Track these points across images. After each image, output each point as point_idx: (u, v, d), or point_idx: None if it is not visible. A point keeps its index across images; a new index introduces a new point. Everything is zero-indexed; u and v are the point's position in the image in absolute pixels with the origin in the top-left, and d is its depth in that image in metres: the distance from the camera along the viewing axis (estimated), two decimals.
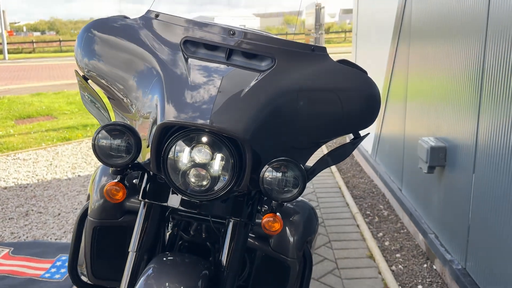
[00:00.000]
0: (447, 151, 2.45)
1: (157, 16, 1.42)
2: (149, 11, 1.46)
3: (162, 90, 1.25)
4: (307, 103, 1.36)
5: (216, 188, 1.21)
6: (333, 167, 4.47)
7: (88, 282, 1.65)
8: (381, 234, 3.06)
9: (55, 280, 2.62)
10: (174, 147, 1.19)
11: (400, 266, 2.64)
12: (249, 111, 1.22)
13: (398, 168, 3.42)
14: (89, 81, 1.52)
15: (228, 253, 1.32)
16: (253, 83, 1.26)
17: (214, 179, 1.20)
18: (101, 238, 1.57)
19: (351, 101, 1.42)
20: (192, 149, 1.19)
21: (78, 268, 1.65)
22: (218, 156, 1.19)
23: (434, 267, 2.60)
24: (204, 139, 1.18)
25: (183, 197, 1.28)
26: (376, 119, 1.47)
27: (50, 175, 4.62)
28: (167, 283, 1.19)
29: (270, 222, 1.30)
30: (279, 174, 1.21)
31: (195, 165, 1.19)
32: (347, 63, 1.43)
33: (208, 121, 1.15)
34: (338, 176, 4.19)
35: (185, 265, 1.28)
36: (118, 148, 1.22)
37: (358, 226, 3.10)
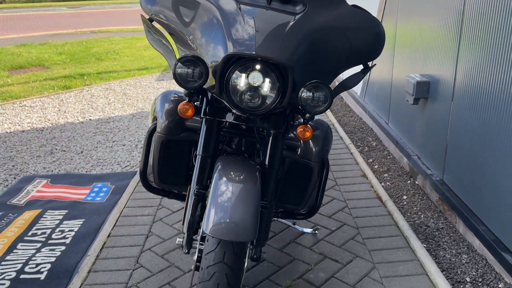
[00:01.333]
0: (430, 85, 2.91)
1: None
2: None
3: (222, 30, 1.64)
4: (330, 39, 1.77)
5: (265, 105, 1.63)
6: None
7: (155, 186, 2.09)
8: (371, 160, 3.58)
9: (97, 201, 3.05)
10: (234, 73, 1.58)
11: (388, 183, 3.17)
12: (290, 45, 1.62)
13: (385, 105, 3.89)
14: (154, 22, 1.88)
15: (270, 156, 1.76)
16: (291, 23, 1.66)
17: (264, 98, 1.62)
18: (167, 150, 1.98)
19: (361, 38, 1.84)
20: (247, 75, 1.59)
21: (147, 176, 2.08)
22: (267, 80, 1.59)
23: (416, 182, 3.14)
24: (257, 66, 1.58)
25: (238, 113, 1.69)
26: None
27: (62, 120, 4.93)
28: (234, 171, 1.64)
29: (303, 131, 1.75)
30: (311, 93, 1.63)
31: (250, 87, 1.60)
32: (359, 7, 1.84)
33: (260, 52, 1.55)
34: (331, 115, 4.66)
35: (243, 161, 1.72)
36: (193, 75, 1.61)
37: (351, 154, 3.60)
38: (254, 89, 1.60)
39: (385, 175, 3.30)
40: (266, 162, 1.75)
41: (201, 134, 1.78)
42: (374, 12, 4.11)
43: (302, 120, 1.80)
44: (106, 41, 10.73)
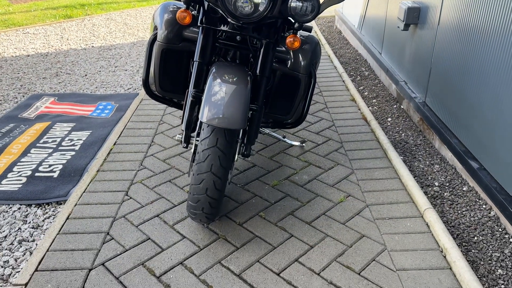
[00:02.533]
0: (420, 11, 3.02)
1: None
2: None
3: None
4: None
5: (257, 12, 1.78)
6: (323, 40, 5.02)
7: (157, 93, 2.28)
8: (361, 87, 3.75)
9: (102, 117, 3.27)
10: None
11: (375, 107, 3.37)
12: None
13: (380, 36, 4.00)
14: None
15: (261, 64, 1.93)
16: None
17: (257, 5, 1.77)
18: (167, 58, 2.15)
19: None
20: None
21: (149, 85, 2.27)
22: None
23: (402, 106, 3.34)
24: None
25: (233, 21, 1.85)
26: None
27: (65, 46, 5.05)
28: (227, 74, 1.83)
29: (292, 40, 1.92)
30: (300, 3, 1.78)
31: None
32: None
33: None
34: (328, 47, 4.77)
35: (237, 66, 1.91)
36: None
37: (343, 81, 3.77)
38: None
39: (373, 100, 3.49)
40: (258, 71, 1.94)
41: (198, 41, 1.95)
42: None
43: (292, 31, 1.96)
44: None
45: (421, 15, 3.02)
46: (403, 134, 2.95)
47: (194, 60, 1.96)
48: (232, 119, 1.69)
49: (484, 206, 2.17)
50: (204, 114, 1.71)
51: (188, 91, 1.98)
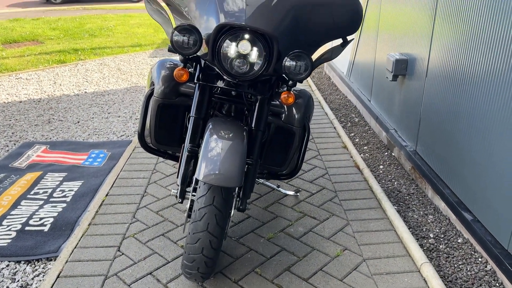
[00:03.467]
0: (408, 63, 3.12)
1: None
2: None
3: (215, 3, 1.83)
4: (313, 14, 1.97)
5: (252, 71, 1.83)
6: (313, 86, 5.13)
7: (152, 146, 2.29)
8: (352, 134, 3.81)
9: (95, 166, 3.25)
10: (225, 42, 1.77)
11: (366, 154, 3.40)
12: (276, 18, 1.82)
13: (368, 83, 4.10)
14: None
15: (257, 119, 1.96)
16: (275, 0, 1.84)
17: (252, 65, 1.81)
18: (163, 113, 2.18)
19: (342, 13, 2.04)
20: (237, 44, 1.78)
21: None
22: (255, 48, 1.78)
23: (393, 154, 3.38)
24: (246, 36, 1.77)
25: (229, 79, 1.89)
26: (355, 33, 2.09)
27: (58, 92, 5.08)
28: (224, 130, 1.85)
29: (286, 97, 1.96)
30: (294, 62, 1.83)
31: (240, 55, 1.79)
32: None
33: (250, 23, 1.74)
34: (318, 93, 4.87)
35: (232, 122, 1.93)
36: (188, 42, 1.80)
37: (334, 128, 3.82)
38: (243, 57, 1.79)
39: (364, 147, 3.53)
40: (253, 125, 1.96)
41: (194, 97, 1.98)
42: None
43: (286, 87, 2.01)
44: (99, 17, 10.76)
45: (409, 67, 3.12)
46: (395, 183, 2.97)
47: (191, 115, 1.98)
48: (229, 177, 1.70)
49: (480, 259, 2.16)
50: (201, 172, 1.71)
51: (184, 146, 1.99)
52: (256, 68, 1.82)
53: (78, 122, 4.17)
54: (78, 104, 4.66)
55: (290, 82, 1.94)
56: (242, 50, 1.78)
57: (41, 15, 11.15)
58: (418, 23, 2.97)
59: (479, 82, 2.24)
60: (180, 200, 1.95)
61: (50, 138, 3.79)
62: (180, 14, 2.03)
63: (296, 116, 2.18)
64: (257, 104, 1.98)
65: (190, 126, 1.98)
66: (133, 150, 3.38)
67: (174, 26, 2.00)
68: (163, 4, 2.09)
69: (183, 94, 2.18)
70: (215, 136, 1.81)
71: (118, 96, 4.94)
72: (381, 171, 3.14)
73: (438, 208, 2.64)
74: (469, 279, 2.04)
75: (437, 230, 2.43)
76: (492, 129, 2.12)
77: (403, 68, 3.14)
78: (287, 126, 2.18)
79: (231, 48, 1.78)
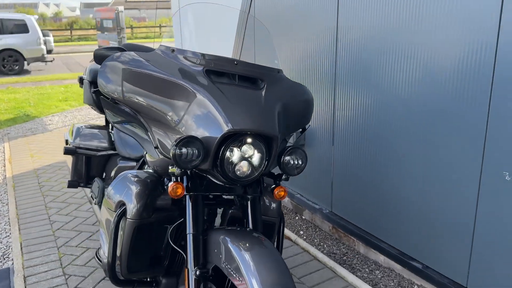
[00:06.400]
0: (306, 134, 3.41)
1: (173, 50, 1.77)
2: (163, 46, 1.78)
3: (210, 107, 1.65)
4: (287, 108, 1.98)
5: (256, 173, 1.72)
6: None
7: (122, 278, 1.85)
8: None
9: None
10: (228, 148, 1.62)
11: None
12: (270, 117, 1.76)
13: None
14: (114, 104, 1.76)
15: (253, 220, 1.83)
16: (263, 97, 1.78)
17: (255, 168, 1.71)
18: (138, 236, 1.81)
19: (303, 106, 2.11)
20: (240, 148, 1.65)
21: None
22: (256, 151, 1.68)
23: (303, 217, 3.56)
24: (249, 140, 1.66)
25: (228, 184, 1.73)
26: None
27: None
28: (242, 242, 1.65)
29: (280, 192, 1.90)
30: (290, 157, 1.81)
31: (243, 158, 1.67)
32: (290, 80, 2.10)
33: (254, 127, 1.63)
34: None
35: (240, 230, 1.75)
36: (193, 154, 1.59)
37: None
38: (244, 160, 1.67)
39: None
40: (250, 226, 1.82)
41: (187, 211, 1.73)
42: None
43: (274, 183, 1.93)
44: None
45: (308, 136, 3.40)
46: (325, 245, 3.13)
47: (187, 233, 1.72)
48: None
49: None
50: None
51: (187, 271, 1.69)
52: (257, 169, 1.72)
53: None
54: None
55: (284, 177, 1.89)
56: (246, 154, 1.67)
57: None
58: (321, 98, 3.29)
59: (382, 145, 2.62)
60: None
61: None
62: (159, 122, 1.76)
63: (274, 207, 2.13)
64: (249, 204, 1.85)
65: (189, 246, 1.70)
66: (25, 281, 2.64)
67: (151, 139, 1.74)
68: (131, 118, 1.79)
69: (157, 209, 1.87)
70: (248, 252, 1.60)
71: None
72: (304, 237, 3.26)
73: (377, 262, 2.89)
74: None
75: (392, 284, 2.66)
76: (405, 179, 2.49)
77: (301, 138, 3.40)
78: (268, 219, 2.10)
79: (235, 154, 1.64)
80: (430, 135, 2.40)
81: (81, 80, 3.11)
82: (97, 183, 2.69)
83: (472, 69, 2.15)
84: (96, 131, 2.87)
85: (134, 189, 1.82)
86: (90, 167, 2.87)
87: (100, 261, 2.19)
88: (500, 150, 2.08)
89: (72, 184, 2.91)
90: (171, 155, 1.57)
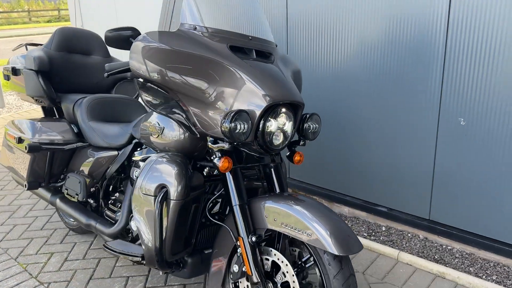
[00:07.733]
0: None
1: (195, 28, 1.75)
2: (184, 24, 1.74)
3: (244, 83, 1.67)
4: (292, 79, 2.09)
5: (285, 142, 1.83)
6: None
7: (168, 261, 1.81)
8: None
9: None
10: (268, 119, 1.71)
11: None
12: (296, 88, 1.88)
13: None
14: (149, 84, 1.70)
15: (279, 183, 1.95)
16: (280, 70, 1.86)
17: (288, 136, 1.82)
18: (181, 216, 1.79)
19: (298, 75, 2.25)
20: (276, 119, 1.75)
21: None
22: (289, 121, 1.79)
23: None
24: (284, 109, 1.76)
25: (261, 155, 1.82)
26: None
27: None
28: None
29: (299, 156, 2.05)
30: (310, 123, 1.96)
31: (279, 128, 1.76)
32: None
33: (289, 97, 1.74)
34: None
35: (279, 194, 1.85)
36: (241, 127, 1.64)
37: None
38: (279, 129, 1.77)
39: None
40: (277, 188, 1.94)
41: (229, 185, 1.78)
42: None
43: (292, 148, 2.06)
44: None
45: None
46: None
47: (234, 204, 1.77)
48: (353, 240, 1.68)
49: (413, 235, 2.89)
50: (331, 244, 1.58)
51: (242, 239, 1.74)
52: (288, 137, 1.83)
53: None
54: None
55: (302, 142, 2.03)
56: (282, 124, 1.77)
57: None
58: None
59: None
60: None
61: None
62: (191, 99, 1.73)
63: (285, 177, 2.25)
64: (273, 170, 1.96)
65: (238, 217, 1.76)
66: None
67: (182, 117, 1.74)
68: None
69: (192, 187, 1.86)
70: (297, 208, 1.69)
71: None
72: None
73: (342, 214, 3.22)
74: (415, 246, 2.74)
75: (363, 229, 3.01)
76: (368, 138, 2.86)
77: None
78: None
79: (272, 124, 1.74)
80: (392, 97, 2.76)
81: (14, 71, 2.77)
82: (75, 178, 2.46)
83: (428, 37, 2.53)
84: (53, 124, 2.59)
85: (173, 170, 1.77)
86: (53, 163, 2.60)
87: (115, 252, 2.07)
88: (455, 103, 2.52)
89: (32, 186, 2.60)
90: (223, 130, 1.59)
